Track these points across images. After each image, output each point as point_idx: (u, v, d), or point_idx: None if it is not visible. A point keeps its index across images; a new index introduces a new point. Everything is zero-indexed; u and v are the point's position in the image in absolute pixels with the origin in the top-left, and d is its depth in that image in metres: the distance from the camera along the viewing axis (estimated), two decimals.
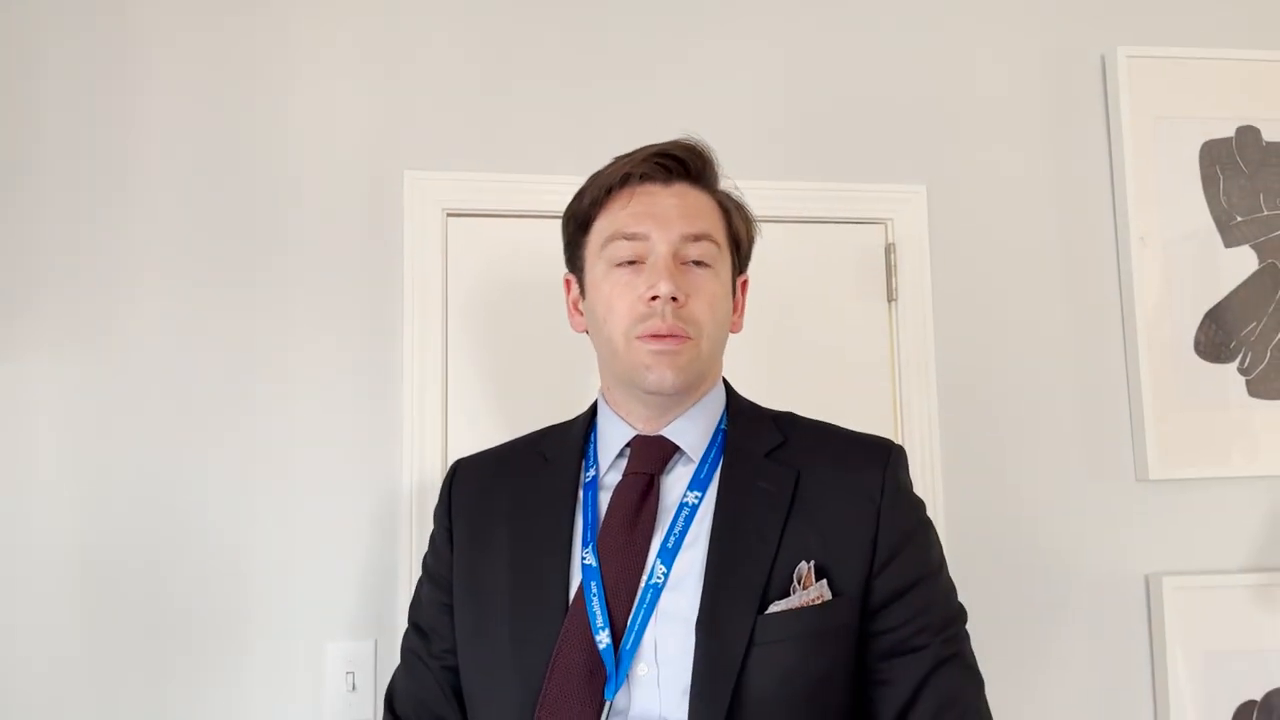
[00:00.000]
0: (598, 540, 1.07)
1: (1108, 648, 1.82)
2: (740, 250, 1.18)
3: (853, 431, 1.18)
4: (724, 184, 1.19)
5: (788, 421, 1.18)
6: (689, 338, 1.08)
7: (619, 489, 1.10)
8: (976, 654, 1.13)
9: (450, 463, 1.32)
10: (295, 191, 1.70)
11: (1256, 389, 1.88)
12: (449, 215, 1.72)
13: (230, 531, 1.62)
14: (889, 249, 1.83)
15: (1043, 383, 1.86)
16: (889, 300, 1.83)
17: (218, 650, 1.61)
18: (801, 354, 1.78)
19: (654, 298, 1.06)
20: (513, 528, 1.12)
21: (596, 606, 1.03)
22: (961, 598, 1.15)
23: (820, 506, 1.08)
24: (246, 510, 1.63)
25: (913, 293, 1.83)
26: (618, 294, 1.09)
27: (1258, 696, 1.82)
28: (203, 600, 1.61)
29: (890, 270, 1.83)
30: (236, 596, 1.62)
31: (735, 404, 1.19)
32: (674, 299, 1.06)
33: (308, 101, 1.72)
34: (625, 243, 1.09)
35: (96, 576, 1.59)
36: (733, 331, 1.18)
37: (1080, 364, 1.87)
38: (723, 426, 1.15)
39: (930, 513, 1.19)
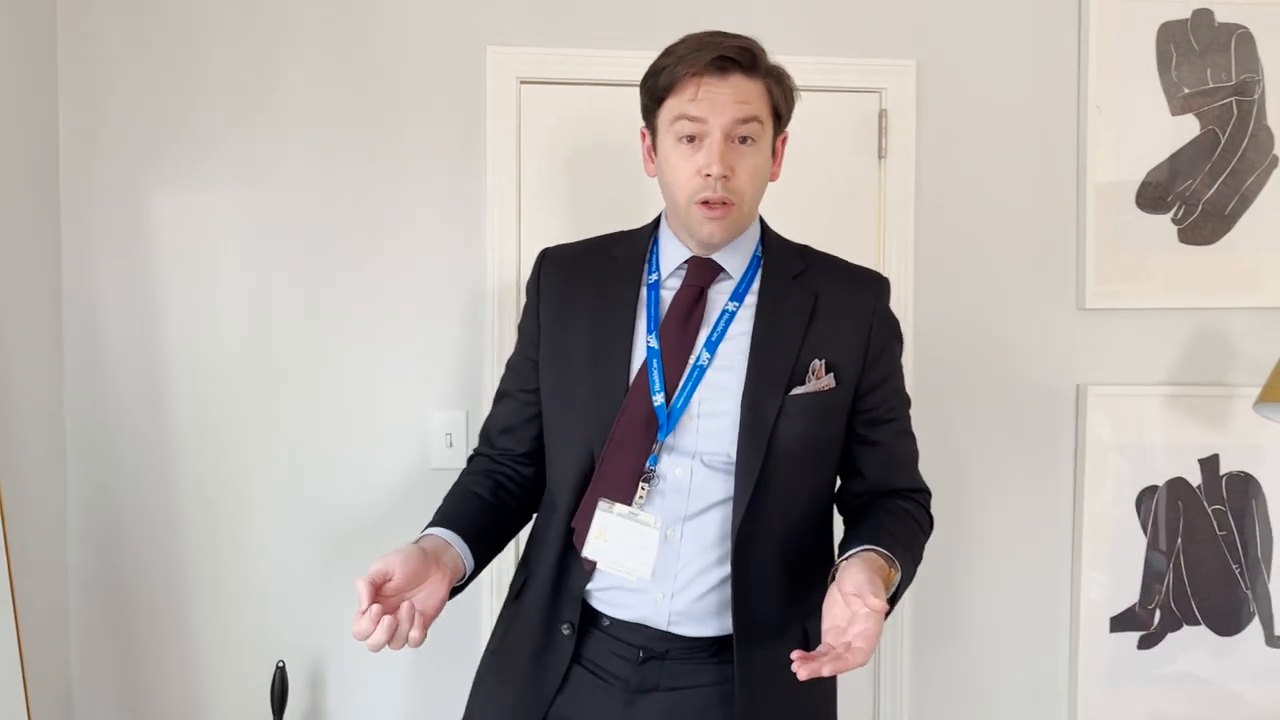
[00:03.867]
0: (659, 329, 1.44)
1: (1041, 440, 2.29)
2: (782, 117, 1.46)
3: (853, 264, 1.56)
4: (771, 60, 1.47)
5: (807, 252, 1.54)
6: (733, 204, 1.39)
7: (678, 294, 1.46)
8: (936, 441, 1.69)
9: (532, 261, 1.64)
10: (402, 63, 2.16)
11: (1186, 236, 2.27)
12: (522, 83, 2.17)
13: (357, 329, 2.18)
14: (882, 114, 2.23)
15: (1005, 225, 2.27)
16: (879, 157, 2.24)
17: (350, 405, 2.19)
18: (803, 198, 2.18)
19: (708, 175, 1.38)
20: (592, 310, 1.48)
21: (655, 376, 1.41)
22: (926, 395, 1.63)
23: (831, 319, 1.46)
24: (370, 316, 2.18)
25: (900, 151, 2.23)
26: (681, 166, 1.39)
27: (1160, 483, 2.29)
28: (341, 372, 2.18)
29: (882, 132, 2.23)
30: (366, 373, 2.18)
31: (768, 237, 1.53)
32: (724, 176, 1.37)
33: None
34: (688, 123, 1.38)
35: (260, 353, 2.17)
36: (772, 180, 1.48)
37: (1038, 211, 2.27)
38: (758, 254, 1.50)
39: (904, 327, 1.60)
